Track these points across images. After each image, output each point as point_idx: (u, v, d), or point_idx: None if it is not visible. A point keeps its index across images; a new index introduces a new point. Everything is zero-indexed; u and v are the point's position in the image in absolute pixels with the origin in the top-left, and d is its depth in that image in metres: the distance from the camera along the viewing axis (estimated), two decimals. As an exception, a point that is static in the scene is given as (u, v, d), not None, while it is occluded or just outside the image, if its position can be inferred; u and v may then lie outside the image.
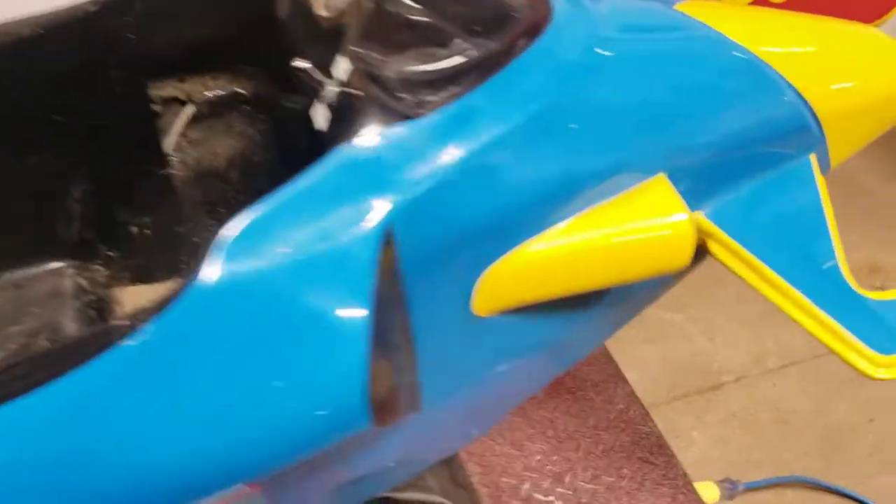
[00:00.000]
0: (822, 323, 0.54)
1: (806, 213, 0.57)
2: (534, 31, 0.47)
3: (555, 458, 0.99)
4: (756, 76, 0.54)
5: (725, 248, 0.55)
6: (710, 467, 1.31)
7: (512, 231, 0.46)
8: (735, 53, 0.54)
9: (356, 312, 0.36)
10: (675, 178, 0.50)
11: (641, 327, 1.46)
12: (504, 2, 0.48)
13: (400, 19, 0.46)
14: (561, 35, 0.47)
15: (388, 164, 0.39)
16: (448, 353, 0.51)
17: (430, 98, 0.43)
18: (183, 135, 0.61)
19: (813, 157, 0.59)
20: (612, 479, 0.96)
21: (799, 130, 0.57)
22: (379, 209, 0.38)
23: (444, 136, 0.41)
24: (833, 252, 0.55)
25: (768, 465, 1.33)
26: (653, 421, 1.03)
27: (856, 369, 0.54)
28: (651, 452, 1.00)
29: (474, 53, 0.46)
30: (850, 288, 0.55)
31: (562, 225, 0.47)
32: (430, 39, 0.46)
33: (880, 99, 0.61)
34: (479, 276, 0.47)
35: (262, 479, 0.41)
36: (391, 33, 0.45)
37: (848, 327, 0.53)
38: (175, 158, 0.59)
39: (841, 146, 0.62)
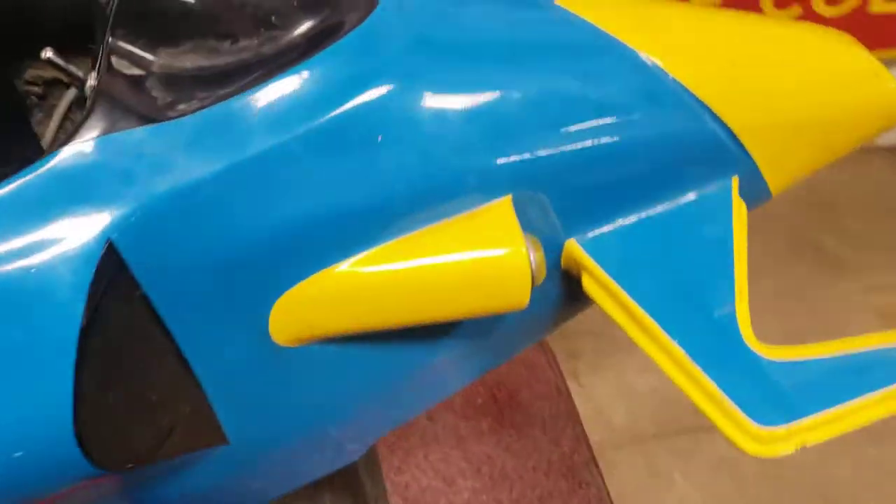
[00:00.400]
0: (698, 383, 0.45)
1: (708, 248, 0.49)
2: (339, 26, 0.41)
3: (483, 498, 0.92)
4: (643, 82, 0.46)
5: (598, 283, 0.47)
6: (688, 516, 1.22)
7: (305, 253, 0.41)
8: (614, 53, 0.46)
9: (60, 341, 0.33)
10: (543, 200, 0.45)
11: (638, 356, 1.37)
12: None
13: (175, 6, 0.40)
14: (378, 28, 0.42)
15: (114, 171, 0.35)
16: (258, 384, 0.46)
17: (190, 99, 0.38)
18: (67, 119, 0.56)
19: (734, 182, 0.50)
20: (535, 533, 0.89)
21: (707, 150, 0.48)
22: (94, 223, 0.34)
23: (197, 142, 0.37)
24: (731, 296, 0.47)
25: (752, 522, 1.23)
26: (598, 469, 0.95)
27: (731, 442, 0.45)
28: (589, 505, 0.92)
29: (260, 50, 0.40)
30: (741, 342, 0.47)
31: (374, 250, 0.41)
32: (211, 31, 0.41)
33: (828, 116, 0.52)
34: (273, 301, 0.42)
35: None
36: (164, 22, 0.40)
37: (728, 390, 0.45)
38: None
39: (780, 169, 0.53)
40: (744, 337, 0.45)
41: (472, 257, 0.41)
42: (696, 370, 0.45)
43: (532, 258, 0.42)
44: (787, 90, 0.50)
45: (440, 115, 0.41)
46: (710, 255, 0.48)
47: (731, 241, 0.48)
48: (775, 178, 0.53)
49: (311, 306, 0.42)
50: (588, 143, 0.44)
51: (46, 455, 0.35)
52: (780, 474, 1.28)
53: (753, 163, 0.50)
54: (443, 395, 0.61)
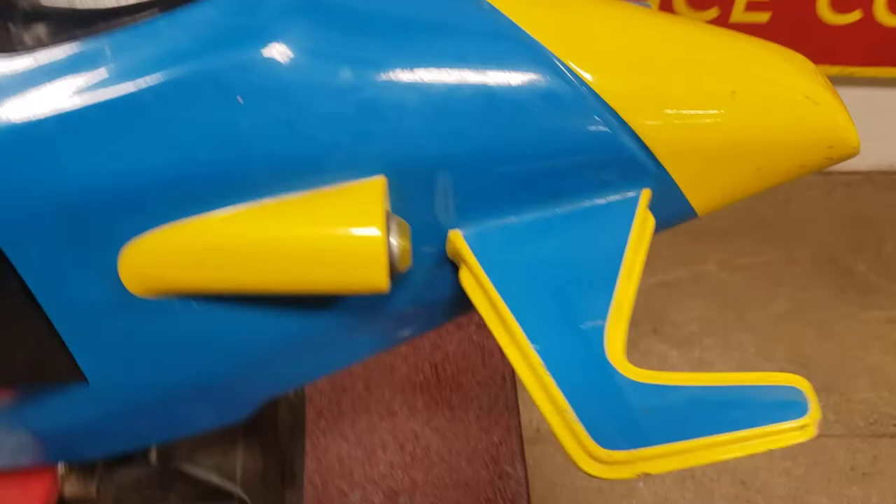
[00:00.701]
0: (548, 392, 0.44)
1: (596, 258, 0.47)
2: None
3: (400, 474, 0.91)
4: (548, 81, 0.44)
5: (473, 276, 0.46)
6: (646, 527, 1.18)
7: (150, 206, 0.41)
8: (519, 46, 0.44)
9: None
10: (426, 186, 0.44)
11: (634, 352, 1.33)
12: None
13: None
14: None
15: None
16: (116, 329, 0.47)
17: (47, 36, 0.39)
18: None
19: (644, 195, 0.47)
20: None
21: (613, 159, 0.46)
22: None
23: (42, 80, 0.38)
24: (605, 311, 0.45)
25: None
26: (523, 464, 0.93)
27: (570, 458, 0.45)
28: (504, 499, 0.90)
29: None
30: (604, 358, 0.45)
31: (226, 211, 0.41)
32: None
33: (755, 139, 0.48)
34: (117, 249, 0.42)
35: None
36: None
37: (576, 405, 0.44)
38: None
39: (704, 189, 0.51)
40: (608, 353, 0.43)
41: (325, 232, 0.41)
42: (548, 378, 0.44)
43: (394, 243, 0.41)
44: (709, 108, 0.47)
45: (310, 85, 0.40)
46: (595, 266, 0.45)
47: (621, 255, 0.45)
48: (699, 197, 0.51)
49: (156, 259, 0.43)
50: (476, 132, 0.43)
51: None
52: (751, 498, 1.23)
53: (671, 178, 0.48)
54: (328, 369, 0.60)
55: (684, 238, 1.55)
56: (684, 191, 0.50)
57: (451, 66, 0.42)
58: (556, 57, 0.44)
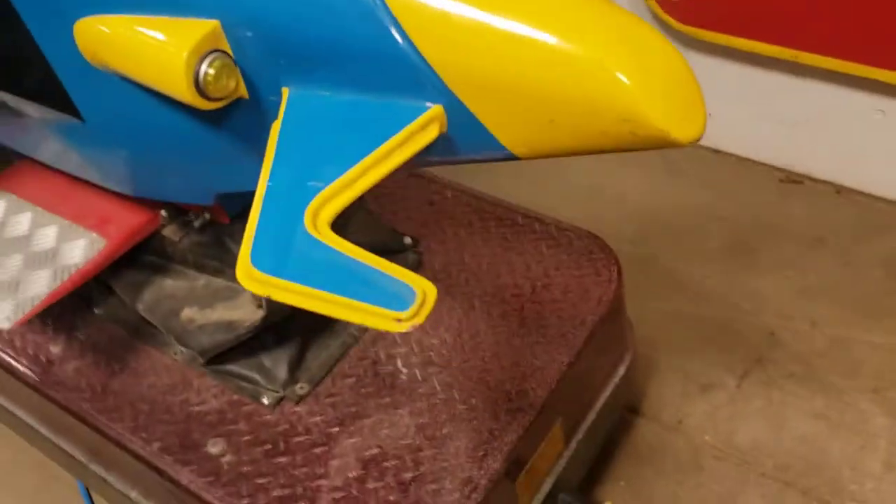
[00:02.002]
0: (253, 213, 0.61)
1: (356, 140, 0.59)
2: None
3: (444, 353, 1.02)
4: None
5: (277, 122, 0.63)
6: None
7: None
8: None
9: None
10: (255, 42, 0.61)
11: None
12: None
13: None
14: None
15: None
16: (89, 83, 0.72)
17: None
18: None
19: (434, 110, 0.56)
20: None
21: (395, 62, 0.57)
22: None
23: None
24: (331, 180, 0.57)
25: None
26: (547, 392, 1.00)
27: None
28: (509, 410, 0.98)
29: None
30: (301, 208, 0.58)
31: (121, 15, 0.64)
32: None
33: (544, 91, 0.55)
34: (77, 18, 0.66)
35: None
36: None
37: (261, 230, 0.59)
38: None
39: (509, 129, 0.58)
40: (309, 208, 0.54)
41: (152, 40, 0.61)
42: (258, 203, 0.58)
43: (202, 66, 0.58)
44: (499, 45, 0.53)
45: None
46: (351, 146, 0.55)
47: (375, 146, 0.55)
48: (504, 134, 0.57)
49: (83, 37, 0.65)
50: (293, 11, 0.58)
51: None
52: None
53: (461, 103, 0.55)
54: (240, 181, 0.79)
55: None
56: (483, 121, 0.58)
57: None
58: None
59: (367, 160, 0.56)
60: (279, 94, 0.59)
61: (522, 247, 1.16)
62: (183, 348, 1.05)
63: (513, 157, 0.58)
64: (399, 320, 0.52)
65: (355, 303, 0.53)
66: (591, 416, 1.13)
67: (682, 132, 0.53)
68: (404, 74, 0.55)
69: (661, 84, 0.53)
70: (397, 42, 0.54)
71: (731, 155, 1.76)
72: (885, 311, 1.42)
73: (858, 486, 1.22)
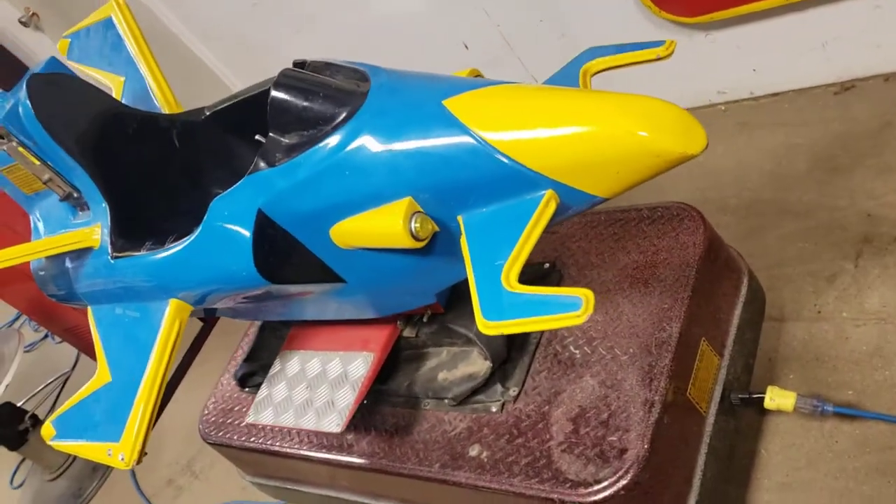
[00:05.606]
0: (471, 284, 1.06)
1: (511, 225, 1.02)
2: (348, 116, 1.07)
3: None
4: (461, 140, 1.04)
5: (463, 237, 1.08)
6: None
7: (335, 214, 1.14)
8: (462, 140, 1.03)
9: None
10: (434, 199, 1.09)
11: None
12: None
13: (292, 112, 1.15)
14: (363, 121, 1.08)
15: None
16: (353, 259, 1.23)
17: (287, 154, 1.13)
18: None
19: (548, 194, 1.01)
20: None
21: (511, 179, 1.02)
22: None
23: (291, 173, 1.13)
24: (507, 256, 1.00)
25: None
26: (677, 341, 1.31)
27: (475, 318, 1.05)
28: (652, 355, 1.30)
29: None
30: (498, 276, 1.01)
31: (355, 214, 1.14)
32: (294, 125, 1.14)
33: (605, 158, 0.96)
34: (330, 226, 1.19)
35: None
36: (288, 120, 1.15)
37: (480, 296, 1.01)
38: None
39: (594, 186, 1.00)
40: (502, 276, 0.98)
41: (381, 220, 1.07)
42: (472, 277, 1.03)
43: (412, 223, 1.04)
44: (567, 143, 0.97)
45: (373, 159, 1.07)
46: (509, 230, 0.98)
47: (524, 225, 0.99)
48: (593, 189, 1.00)
49: (338, 236, 1.15)
50: (441, 172, 1.04)
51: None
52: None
53: (560, 183, 1.00)
54: (444, 283, 1.35)
55: None
56: (577, 187, 1.00)
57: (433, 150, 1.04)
58: (470, 129, 1.00)
59: (522, 237, 0.96)
60: (456, 221, 1.05)
61: (629, 234, 1.50)
62: (430, 400, 1.47)
63: (603, 200, 1.00)
64: (578, 316, 0.89)
65: (548, 317, 0.91)
66: (733, 330, 1.42)
67: (691, 148, 0.89)
68: (522, 181, 0.99)
69: (666, 125, 0.89)
70: (508, 165, 0.98)
71: (786, 93, 2.03)
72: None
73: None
